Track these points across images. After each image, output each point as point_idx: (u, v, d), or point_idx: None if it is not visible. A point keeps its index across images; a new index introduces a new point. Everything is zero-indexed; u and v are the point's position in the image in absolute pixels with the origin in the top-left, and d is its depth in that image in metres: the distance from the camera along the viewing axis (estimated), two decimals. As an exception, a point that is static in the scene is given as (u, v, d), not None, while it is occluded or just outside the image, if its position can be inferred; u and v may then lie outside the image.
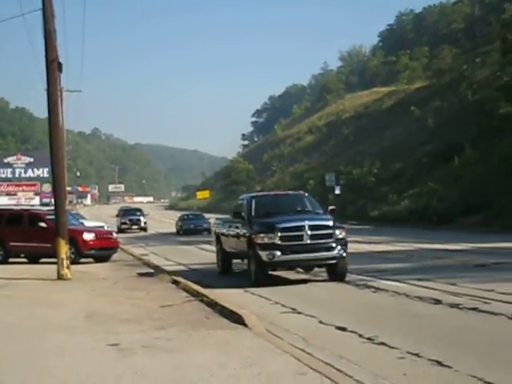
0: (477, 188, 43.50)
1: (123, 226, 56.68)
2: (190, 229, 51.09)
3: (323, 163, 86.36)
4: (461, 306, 13.12)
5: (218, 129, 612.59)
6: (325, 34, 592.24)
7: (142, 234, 54.45)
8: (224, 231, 21.40)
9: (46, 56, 20.47)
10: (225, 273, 21.43)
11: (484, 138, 49.98)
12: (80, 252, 26.49)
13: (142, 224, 57.42)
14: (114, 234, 29.49)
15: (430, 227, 42.63)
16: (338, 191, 63.12)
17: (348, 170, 68.35)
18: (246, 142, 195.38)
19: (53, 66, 20.59)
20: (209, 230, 43.02)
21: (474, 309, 12.78)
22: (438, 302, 13.84)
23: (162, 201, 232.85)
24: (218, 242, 21.86)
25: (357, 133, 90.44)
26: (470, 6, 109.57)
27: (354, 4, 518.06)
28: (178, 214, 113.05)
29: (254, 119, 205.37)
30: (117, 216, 60.97)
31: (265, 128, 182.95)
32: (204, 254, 30.51)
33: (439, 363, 9.02)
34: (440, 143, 57.62)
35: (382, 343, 10.36)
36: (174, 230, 55.65)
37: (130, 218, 58.84)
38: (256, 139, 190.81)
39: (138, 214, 60.09)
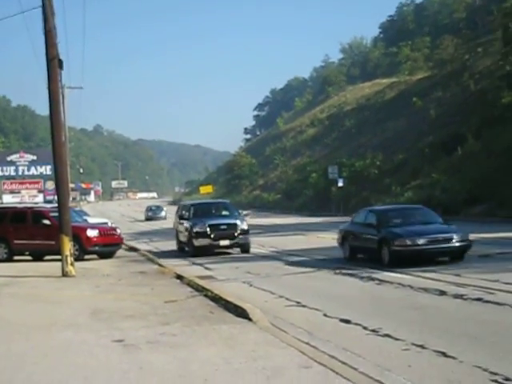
0: (480, 178, 43.44)
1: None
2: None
3: (326, 156, 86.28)
4: (465, 297, 13.13)
5: (221, 123, 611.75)
6: (326, 27, 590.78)
7: (147, 229, 54.53)
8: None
9: (47, 53, 20.44)
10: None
11: (487, 128, 49.89)
12: (84, 249, 26.50)
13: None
14: (118, 231, 29.47)
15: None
16: (341, 183, 63.16)
17: (351, 163, 68.29)
18: (249, 136, 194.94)
19: (53, 64, 20.58)
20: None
21: (479, 299, 12.79)
22: (442, 293, 13.85)
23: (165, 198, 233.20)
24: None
25: (359, 125, 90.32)
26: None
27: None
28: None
29: (255, 113, 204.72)
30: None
31: (267, 121, 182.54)
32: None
33: (444, 354, 9.04)
34: (442, 134, 57.50)
35: (387, 335, 10.38)
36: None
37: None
38: (258, 133, 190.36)
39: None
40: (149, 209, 78.98)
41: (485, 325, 10.78)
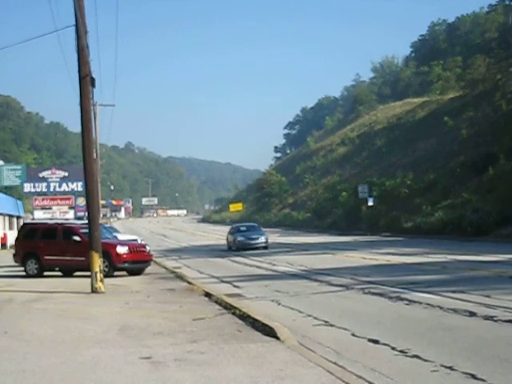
0: (511, 198, 43.05)
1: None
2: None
3: (356, 175, 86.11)
4: (495, 319, 12.98)
5: (251, 141, 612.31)
6: (357, 46, 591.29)
7: (175, 246, 54.64)
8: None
9: (79, 71, 20.73)
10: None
11: (518, 148, 49.49)
12: (113, 265, 26.67)
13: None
14: (148, 247, 29.61)
15: (464, 238, 42.29)
16: (371, 203, 62.97)
17: (381, 182, 68.09)
18: (279, 155, 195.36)
19: (85, 81, 20.83)
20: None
21: (509, 321, 12.64)
22: (472, 314, 13.71)
23: (195, 214, 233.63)
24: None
25: (389, 144, 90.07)
26: (503, 14, 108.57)
27: (387, 16, 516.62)
28: (211, 226, 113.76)
29: (286, 131, 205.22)
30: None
31: (297, 140, 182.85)
32: (235, 267, 30.54)
33: (473, 376, 8.94)
34: (474, 154, 57.17)
35: (415, 356, 10.29)
36: (206, 242, 55.92)
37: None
38: (288, 151, 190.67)
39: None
40: (236, 229, 47.65)
41: (515, 347, 10.64)
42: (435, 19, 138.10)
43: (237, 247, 44.01)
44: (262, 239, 44.14)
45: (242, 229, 47.03)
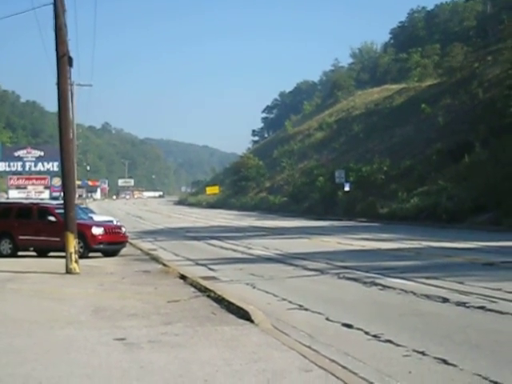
0: (487, 186, 43.39)
1: None
2: None
3: (333, 160, 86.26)
4: (468, 305, 13.12)
5: (229, 124, 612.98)
6: (336, 31, 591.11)
7: (151, 228, 54.51)
8: None
9: (57, 50, 20.51)
10: None
11: (494, 137, 49.82)
12: (89, 246, 26.54)
13: None
14: (123, 229, 29.50)
15: (439, 225, 42.62)
16: (347, 188, 63.19)
17: (358, 167, 68.26)
18: (257, 138, 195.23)
19: (63, 61, 20.65)
20: None
21: (481, 308, 12.78)
22: (445, 300, 13.84)
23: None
24: None
25: (367, 130, 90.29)
26: (482, 3, 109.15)
27: (366, 1, 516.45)
28: (187, 209, 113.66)
29: (264, 115, 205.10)
30: None
31: (275, 124, 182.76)
32: (211, 250, 30.55)
33: (444, 361, 9.04)
34: (450, 141, 57.45)
35: (388, 341, 10.38)
36: (182, 224, 55.89)
37: None
38: (266, 135, 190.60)
39: None
40: None
41: (486, 333, 10.76)
42: (415, 6, 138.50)
43: None
44: None
45: None
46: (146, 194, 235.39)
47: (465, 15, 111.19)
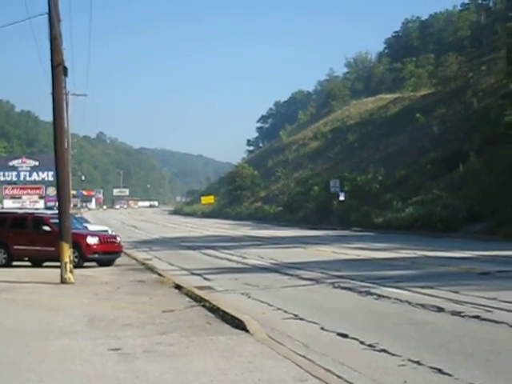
0: (481, 196, 43.52)
1: None
2: None
3: (328, 169, 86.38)
4: (463, 314, 13.13)
5: (224, 134, 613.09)
6: (331, 41, 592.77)
7: (146, 238, 54.40)
8: None
9: (52, 60, 20.50)
10: None
11: (489, 146, 49.98)
12: (83, 256, 26.49)
13: None
14: (118, 239, 29.46)
15: (433, 234, 42.66)
16: (342, 197, 63.27)
17: (352, 177, 68.38)
18: (251, 148, 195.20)
19: (58, 70, 20.64)
20: None
21: (476, 317, 12.78)
22: (440, 309, 13.85)
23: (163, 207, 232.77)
24: None
25: (362, 139, 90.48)
26: (476, 13, 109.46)
27: (361, 11, 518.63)
28: (182, 218, 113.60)
29: (259, 125, 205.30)
30: None
31: (270, 134, 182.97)
32: (206, 259, 30.53)
33: (440, 371, 9.04)
34: (445, 150, 57.60)
35: (383, 350, 10.37)
36: (177, 234, 55.85)
37: None
38: (261, 145, 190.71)
39: None
40: None
41: (481, 342, 10.77)
42: (409, 16, 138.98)
43: None
44: None
45: None
46: (141, 203, 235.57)
47: (459, 25, 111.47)
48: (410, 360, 9.67)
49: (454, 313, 13.35)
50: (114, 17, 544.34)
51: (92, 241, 26.95)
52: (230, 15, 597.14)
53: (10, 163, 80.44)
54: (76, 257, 24.41)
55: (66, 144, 25.30)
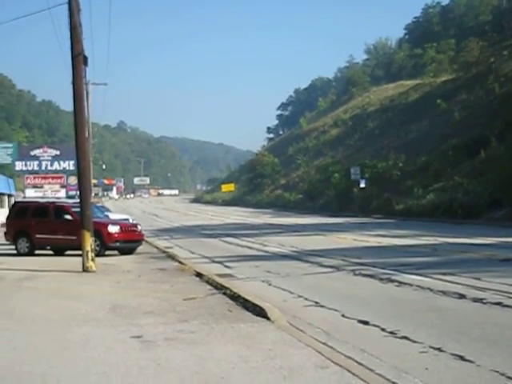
0: (503, 182, 43.17)
1: None
2: None
3: (348, 156, 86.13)
4: (485, 301, 13.05)
5: (244, 122, 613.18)
6: (351, 28, 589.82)
7: (167, 226, 54.53)
8: None
9: (72, 50, 20.59)
10: None
11: (510, 131, 49.54)
12: (105, 244, 26.65)
13: None
14: (139, 227, 29.58)
15: (455, 221, 42.44)
16: (363, 185, 63.10)
17: (373, 164, 68.16)
18: (271, 135, 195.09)
19: (78, 60, 20.72)
20: None
21: (498, 303, 12.71)
22: (461, 296, 13.78)
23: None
24: None
25: (382, 126, 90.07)
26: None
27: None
28: (203, 206, 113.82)
29: (279, 112, 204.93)
30: None
31: (290, 121, 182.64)
32: (227, 247, 30.58)
33: (461, 358, 9.00)
34: (466, 137, 57.22)
35: (405, 337, 10.35)
36: (198, 222, 55.99)
37: None
38: (281, 132, 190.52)
39: None
40: None
41: (503, 329, 10.70)
42: (429, 1, 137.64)
43: None
44: None
45: None
46: (165, 191, 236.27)
47: (480, 10, 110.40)
48: (431, 347, 9.64)
49: (475, 299, 13.28)
50: (135, 3, 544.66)
51: (113, 229, 27.10)
52: (252, 4, 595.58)
53: (32, 153, 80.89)
54: (97, 245, 24.54)
55: (87, 133, 25.42)
